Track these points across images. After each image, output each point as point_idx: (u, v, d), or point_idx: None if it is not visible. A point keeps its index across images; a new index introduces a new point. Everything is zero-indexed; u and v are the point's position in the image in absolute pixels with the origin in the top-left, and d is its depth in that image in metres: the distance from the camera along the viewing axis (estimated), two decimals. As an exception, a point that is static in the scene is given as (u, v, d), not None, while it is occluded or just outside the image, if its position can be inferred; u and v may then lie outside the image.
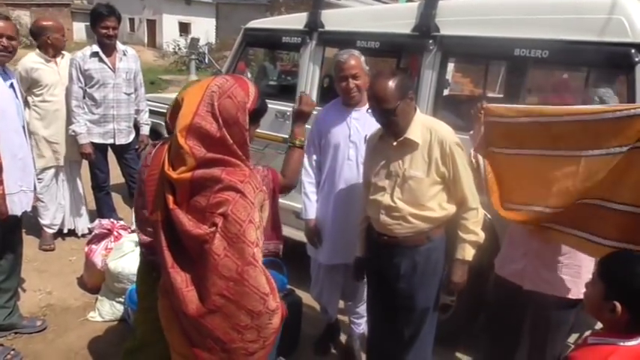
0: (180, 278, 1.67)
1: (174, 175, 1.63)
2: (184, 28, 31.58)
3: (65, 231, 4.65)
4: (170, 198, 1.65)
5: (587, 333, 1.82)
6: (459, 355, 3.32)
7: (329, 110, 3.01)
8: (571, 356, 1.58)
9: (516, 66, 3.14)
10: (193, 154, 1.59)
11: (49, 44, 4.20)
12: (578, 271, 2.44)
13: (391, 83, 2.24)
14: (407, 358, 2.59)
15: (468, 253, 2.40)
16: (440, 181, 2.35)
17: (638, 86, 2.62)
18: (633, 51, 2.61)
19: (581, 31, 2.76)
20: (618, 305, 1.52)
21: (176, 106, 1.70)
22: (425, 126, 2.36)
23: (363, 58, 2.85)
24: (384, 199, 2.40)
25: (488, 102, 2.49)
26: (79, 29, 30.42)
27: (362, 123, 2.86)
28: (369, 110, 2.41)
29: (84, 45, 14.00)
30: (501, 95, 5.01)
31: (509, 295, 2.55)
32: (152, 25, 32.50)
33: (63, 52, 4.39)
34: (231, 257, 1.61)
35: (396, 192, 2.38)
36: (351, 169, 2.88)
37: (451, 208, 2.40)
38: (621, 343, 1.49)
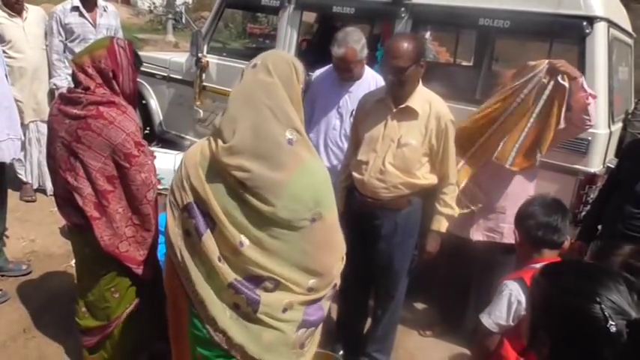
0: None
1: None
2: (160, -15, 30.46)
3: (35, 187, 4.59)
4: None
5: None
6: (417, 305, 3.53)
7: (327, 76, 3.08)
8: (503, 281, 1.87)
9: (481, 35, 3.34)
10: None
11: None
12: None
13: (408, 44, 2.32)
14: (382, 318, 2.71)
15: (444, 225, 2.52)
16: (428, 153, 2.43)
17: (587, 57, 2.86)
18: (585, 23, 2.84)
19: (540, 3, 2.97)
20: (517, 232, 1.94)
21: None
22: (425, 98, 2.43)
23: (361, 44, 2.82)
24: (375, 161, 2.45)
25: (458, 71, 2.65)
26: (48, -17, 29.05)
27: (353, 97, 2.91)
28: (381, 66, 2.42)
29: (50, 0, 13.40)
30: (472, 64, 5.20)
31: (459, 248, 2.79)
32: (126, -20, 31.29)
33: (27, 6, 4.29)
34: None
35: (388, 156, 2.42)
36: (334, 138, 3.00)
37: (432, 179, 2.49)
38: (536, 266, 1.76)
